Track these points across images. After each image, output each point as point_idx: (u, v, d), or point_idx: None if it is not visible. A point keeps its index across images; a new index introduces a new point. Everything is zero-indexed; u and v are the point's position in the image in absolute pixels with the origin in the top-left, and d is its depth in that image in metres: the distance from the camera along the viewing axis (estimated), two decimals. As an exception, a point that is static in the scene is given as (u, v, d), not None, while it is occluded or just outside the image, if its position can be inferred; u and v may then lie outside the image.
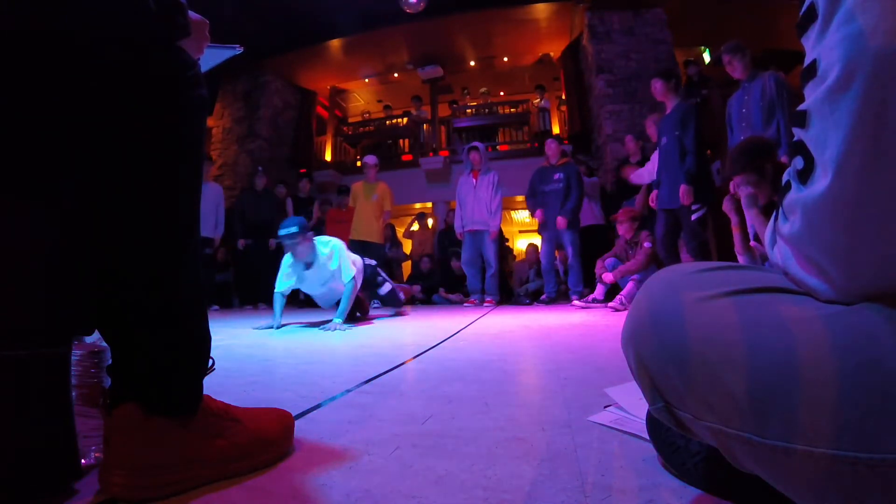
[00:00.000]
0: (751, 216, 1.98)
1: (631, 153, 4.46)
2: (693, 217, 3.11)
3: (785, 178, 0.38)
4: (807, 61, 0.35)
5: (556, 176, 4.39)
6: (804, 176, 0.34)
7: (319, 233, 5.69)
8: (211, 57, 0.81)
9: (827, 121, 0.32)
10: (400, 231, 6.72)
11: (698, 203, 3.10)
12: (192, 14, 0.64)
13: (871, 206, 0.31)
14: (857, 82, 0.30)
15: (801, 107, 0.35)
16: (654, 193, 3.44)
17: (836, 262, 0.33)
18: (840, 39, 0.31)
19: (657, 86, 3.35)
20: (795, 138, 0.36)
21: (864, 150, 0.30)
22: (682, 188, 3.11)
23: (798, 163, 0.35)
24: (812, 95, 0.34)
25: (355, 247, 5.08)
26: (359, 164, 7.85)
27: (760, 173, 1.98)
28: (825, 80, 0.32)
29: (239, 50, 0.89)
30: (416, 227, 6.58)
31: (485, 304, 4.56)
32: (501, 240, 5.35)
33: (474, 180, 4.68)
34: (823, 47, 0.33)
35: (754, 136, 2.50)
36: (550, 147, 4.54)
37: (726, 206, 2.24)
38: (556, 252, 4.65)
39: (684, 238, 3.23)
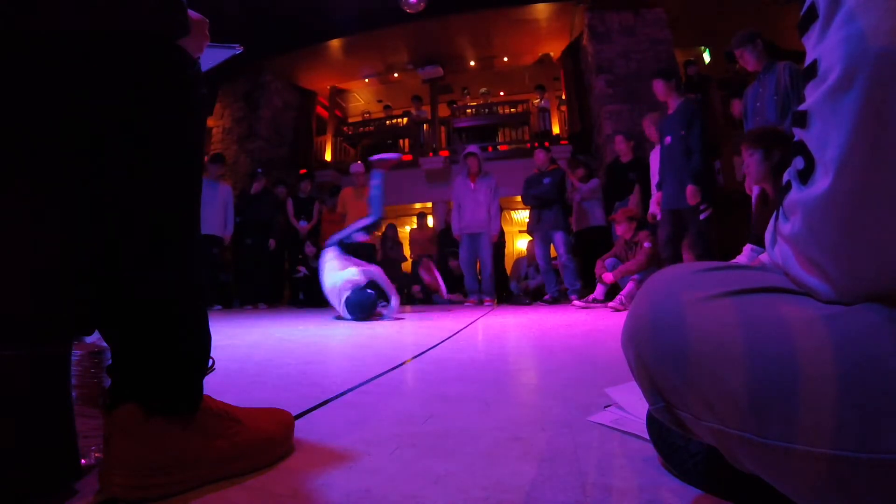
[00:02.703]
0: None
1: (622, 153, 4.47)
2: (701, 217, 3.10)
3: (785, 178, 0.38)
4: (807, 61, 0.35)
5: (546, 181, 4.58)
6: (805, 176, 0.34)
7: (318, 233, 5.73)
8: (211, 56, 0.81)
9: (828, 121, 0.32)
10: (401, 231, 6.72)
11: (705, 203, 3.09)
12: (192, 13, 0.63)
13: (872, 207, 0.31)
14: (858, 83, 0.30)
15: (802, 107, 0.35)
16: (657, 196, 3.43)
17: (837, 263, 0.33)
18: (841, 40, 0.31)
19: (658, 86, 3.31)
20: (796, 138, 0.36)
21: (865, 150, 0.30)
22: (690, 188, 3.07)
23: (798, 163, 0.35)
24: (813, 95, 0.34)
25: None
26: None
27: (766, 154, 2.02)
28: (826, 80, 0.32)
29: (239, 50, 0.89)
30: (415, 225, 6.59)
31: (485, 304, 4.58)
32: (500, 241, 5.37)
33: (472, 184, 4.73)
34: (824, 47, 0.33)
35: (771, 125, 2.52)
36: (539, 156, 4.75)
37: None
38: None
39: (690, 240, 3.20)
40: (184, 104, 0.55)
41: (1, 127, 0.48)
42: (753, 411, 0.33)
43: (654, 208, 3.52)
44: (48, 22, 0.47)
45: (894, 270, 0.32)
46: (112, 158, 0.51)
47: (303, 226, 5.69)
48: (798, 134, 0.36)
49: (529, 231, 4.81)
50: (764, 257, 1.73)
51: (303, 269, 5.54)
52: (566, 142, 6.96)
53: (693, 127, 3.11)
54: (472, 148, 4.90)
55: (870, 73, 0.29)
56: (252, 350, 1.74)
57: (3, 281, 0.49)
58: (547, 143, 6.73)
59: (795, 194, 0.36)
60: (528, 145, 7.42)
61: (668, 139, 3.28)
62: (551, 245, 4.58)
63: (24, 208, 0.50)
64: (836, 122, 0.31)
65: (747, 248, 2.23)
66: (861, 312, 0.33)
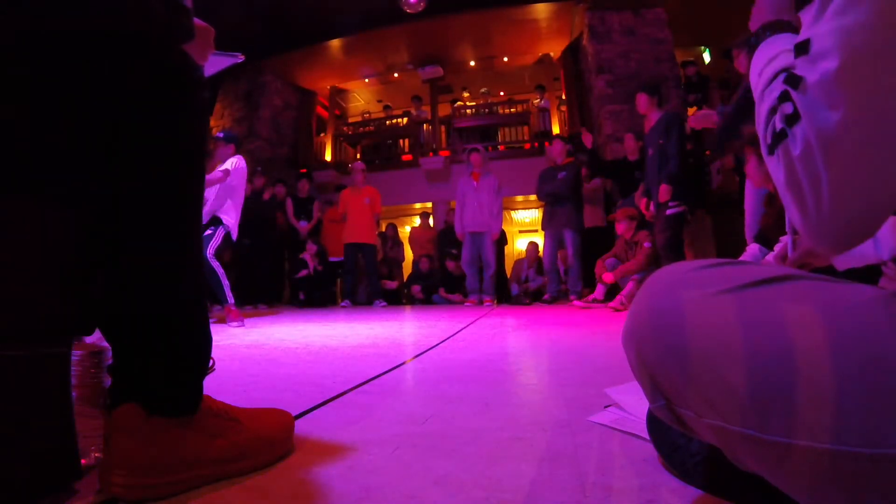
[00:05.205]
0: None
1: (629, 151, 4.47)
2: (668, 212, 3.21)
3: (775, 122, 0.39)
4: (801, 36, 0.37)
5: (560, 175, 4.48)
6: (792, 120, 0.37)
7: (318, 233, 5.73)
8: (214, 63, 0.81)
9: (824, 99, 0.34)
10: (401, 231, 6.72)
11: (676, 200, 3.20)
12: (197, 21, 0.64)
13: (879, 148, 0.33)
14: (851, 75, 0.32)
15: (798, 71, 0.37)
16: (645, 203, 3.51)
17: (820, 193, 0.35)
18: (833, 29, 0.33)
19: (642, 99, 3.44)
20: (781, 90, 0.39)
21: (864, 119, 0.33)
22: (662, 187, 3.22)
23: (787, 108, 0.37)
24: (810, 73, 0.36)
25: (351, 249, 5.11)
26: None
27: (762, 158, 2.10)
28: (815, 62, 0.35)
29: (241, 59, 0.91)
30: (415, 224, 6.59)
31: (484, 304, 4.58)
32: (502, 241, 5.36)
33: (475, 182, 4.72)
34: (818, 31, 0.35)
35: None
36: (556, 147, 4.64)
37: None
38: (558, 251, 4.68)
39: (656, 229, 3.32)
40: (187, 106, 0.55)
41: (5, 126, 0.48)
42: (755, 407, 0.33)
43: (648, 213, 3.59)
44: (56, 23, 0.47)
45: (874, 211, 0.34)
46: (114, 159, 0.51)
47: (303, 226, 5.69)
48: (785, 87, 0.38)
49: (543, 227, 4.77)
50: (770, 258, 1.74)
51: (304, 270, 5.53)
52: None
53: (671, 135, 3.24)
54: (476, 144, 4.91)
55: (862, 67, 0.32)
56: (252, 350, 1.74)
57: (5, 281, 0.48)
58: (547, 144, 6.73)
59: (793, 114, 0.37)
60: (528, 145, 7.43)
61: (650, 151, 3.42)
62: (560, 243, 4.55)
63: (27, 208, 0.50)
64: (830, 104, 0.34)
65: (754, 246, 2.23)
66: (863, 308, 0.33)
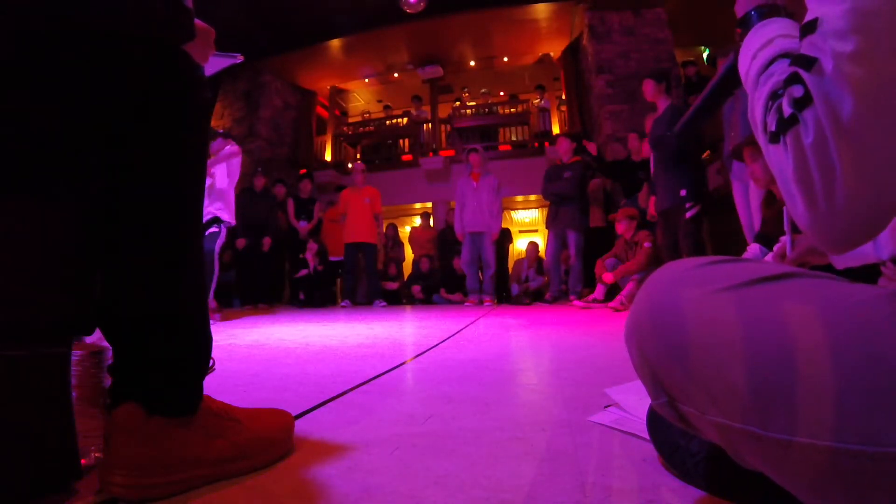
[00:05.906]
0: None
1: (633, 151, 4.47)
2: (687, 215, 3.14)
3: (780, 107, 0.38)
4: (809, 16, 0.36)
5: (566, 174, 4.43)
6: (802, 104, 0.35)
7: (319, 233, 5.73)
8: (213, 64, 0.82)
9: (840, 80, 0.33)
10: (401, 231, 6.72)
11: (691, 201, 3.13)
12: (198, 22, 0.64)
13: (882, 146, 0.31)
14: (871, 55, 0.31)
15: (808, 52, 0.35)
16: (651, 200, 3.47)
17: (832, 185, 0.33)
18: (848, 10, 0.32)
19: (648, 86, 3.37)
20: (788, 73, 0.36)
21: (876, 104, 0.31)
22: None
23: (796, 91, 0.35)
24: (823, 53, 0.34)
25: (351, 249, 5.12)
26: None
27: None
28: (828, 44, 0.33)
29: (240, 59, 0.91)
30: (415, 224, 6.58)
31: (484, 304, 4.58)
32: (504, 241, 5.35)
33: (475, 183, 4.71)
34: (831, 11, 0.34)
35: None
36: (562, 145, 4.57)
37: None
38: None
39: (680, 242, 3.24)
40: (187, 106, 0.56)
41: (5, 126, 0.48)
42: (756, 404, 0.34)
43: (651, 211, 3.55)
44: (56, 23, 0.47)
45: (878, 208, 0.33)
46: (115, 159, 0.51)
47: (303, 226, 5.69)
48: (794, 69, 0.36)
49: (547, 226, 4.76)
50: (769, 257, 1.73)
51: (304, 270, 5.53)
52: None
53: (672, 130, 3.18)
54: (475, 145, 4.88)
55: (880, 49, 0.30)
56: (252, 350, 1.74)
57: (5, 281, 0.48)
58: (547, 144, 6.73)
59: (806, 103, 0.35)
60: (529, 145, 7.43)
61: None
62: (563, 243, 4.53)
63: (27, 208, 0.50)
64: (847, 88, 0.32)
65: (755, 246, 2.23)
66: (864, 306, 0.33)
